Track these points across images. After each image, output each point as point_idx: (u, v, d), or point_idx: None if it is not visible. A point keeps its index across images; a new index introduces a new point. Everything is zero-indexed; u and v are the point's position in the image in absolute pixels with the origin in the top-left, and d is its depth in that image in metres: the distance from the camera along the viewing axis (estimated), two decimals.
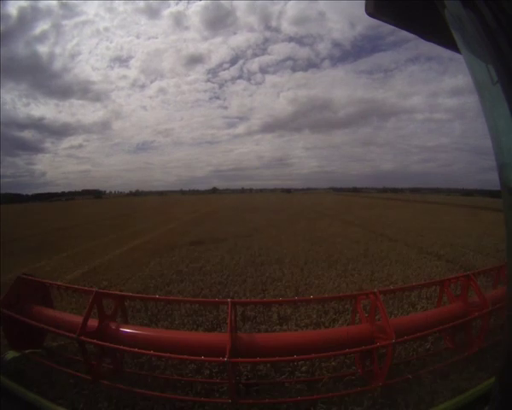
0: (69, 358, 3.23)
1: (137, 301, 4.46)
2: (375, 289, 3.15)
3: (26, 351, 3.30)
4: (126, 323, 3.29)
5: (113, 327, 2.98)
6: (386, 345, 2.70)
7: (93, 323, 2.91)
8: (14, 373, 2.92)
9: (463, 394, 2.31)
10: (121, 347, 2.78)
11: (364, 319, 3.07)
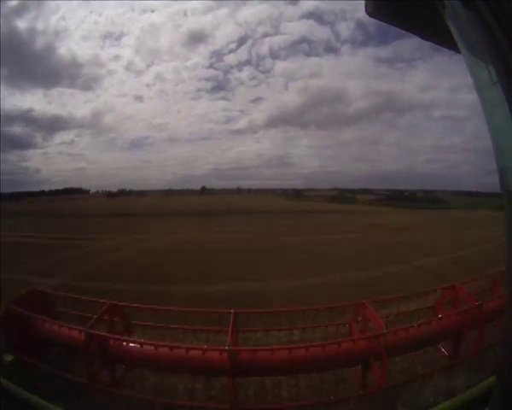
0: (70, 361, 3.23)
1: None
2: (364, 301, 3.21)
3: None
4: (130, 335, 3.29)
5: (114, 346, 2.99)
6: (379, 334, 2.72)
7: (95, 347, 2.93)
8: (14, 375, 2.91)
9: (464, 393, 2.32)
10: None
11: (356, 333, 3.11)
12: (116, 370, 3.12)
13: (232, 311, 3.08)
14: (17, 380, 2.65)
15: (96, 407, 2.82)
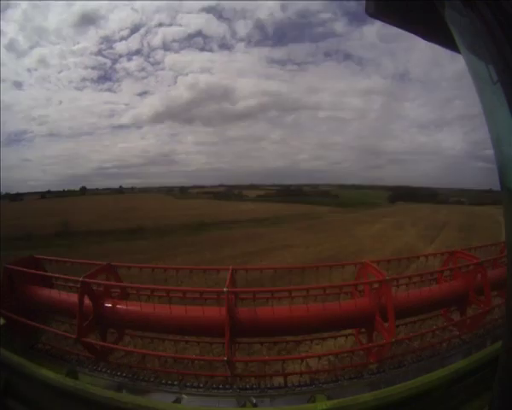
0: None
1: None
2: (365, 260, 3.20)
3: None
4: (125, 297, 3.28)
5: (109, 306, 3.00)
6: (385, 344, 2.71)
7: (88, 308, 2.91)
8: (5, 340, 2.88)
9: (468, 358, 2.33)
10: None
11: (368, 293, 3.07)
12: (107, 334, 3.13)
13: (231, 267, 3.10)
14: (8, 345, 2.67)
15: (90, 372, 2.84)
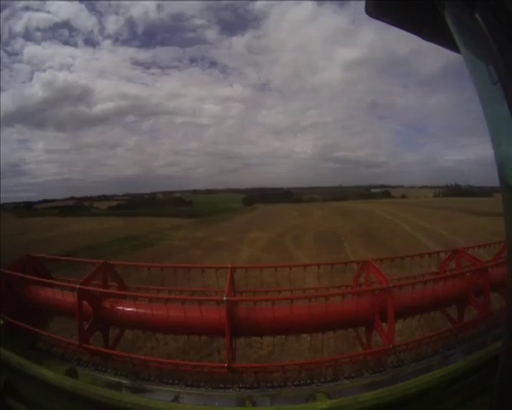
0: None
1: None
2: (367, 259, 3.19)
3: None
4: (124, 297, 3.25)
5: (108, 306, 2.99)
6: (383, 350, 2.70)
7: (88, 310, 2.90)
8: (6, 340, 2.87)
9: (467, 358, 2.33)
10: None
11: (369, 294, 3.05)
12: (109, 331, 3.12)
13: (229, 265, 3.14)
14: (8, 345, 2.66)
15: (89, 371, 2.84)
